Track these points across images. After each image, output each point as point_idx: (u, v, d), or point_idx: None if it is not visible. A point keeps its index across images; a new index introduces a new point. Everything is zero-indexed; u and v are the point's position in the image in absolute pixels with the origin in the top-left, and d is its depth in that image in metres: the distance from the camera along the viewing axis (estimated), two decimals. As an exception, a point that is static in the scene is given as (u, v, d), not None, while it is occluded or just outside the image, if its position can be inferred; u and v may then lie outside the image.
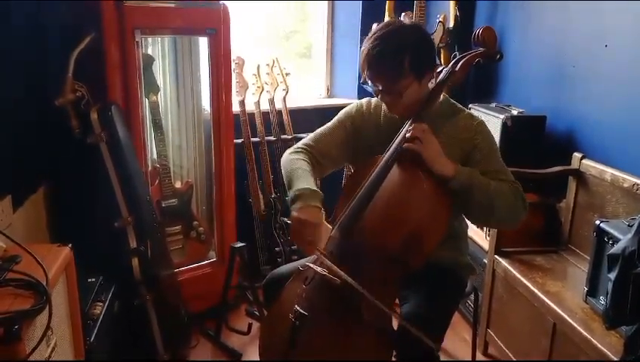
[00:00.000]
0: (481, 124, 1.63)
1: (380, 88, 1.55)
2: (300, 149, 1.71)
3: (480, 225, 1.60)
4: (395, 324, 1.54)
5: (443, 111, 1.64)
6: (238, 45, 2.80)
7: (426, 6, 2.96)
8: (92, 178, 2.10)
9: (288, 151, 1.73)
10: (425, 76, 1.55)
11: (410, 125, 1.52)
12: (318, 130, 1.77)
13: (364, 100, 1.78)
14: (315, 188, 1.53)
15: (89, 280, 1.90)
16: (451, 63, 1.62)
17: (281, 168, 1.68)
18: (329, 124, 1.77)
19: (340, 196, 1.66)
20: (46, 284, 1.25)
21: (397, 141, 1.55)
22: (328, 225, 1.51)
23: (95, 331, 1.74)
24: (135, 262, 2.03)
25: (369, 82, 1.57)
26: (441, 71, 1.62)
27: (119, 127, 2.03)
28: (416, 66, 1.50)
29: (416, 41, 1.53)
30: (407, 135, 1.50)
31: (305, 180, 1.55)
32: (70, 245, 1.50)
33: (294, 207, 1.48)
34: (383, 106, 1.69)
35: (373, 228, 1.50)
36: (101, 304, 1.87)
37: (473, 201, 1.49)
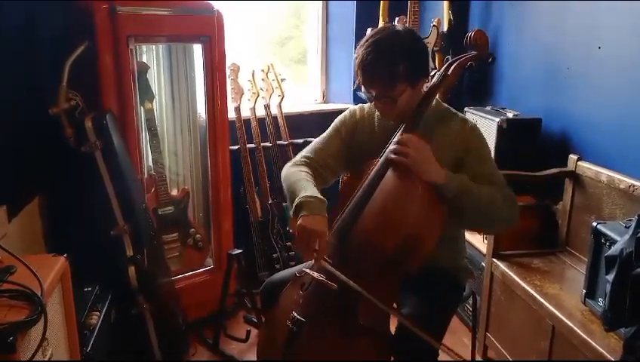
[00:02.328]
0: (474, 128, 1.63)
1: (374, 94, 1.55)
2: (299, 162, 1.70)
3: (470, 230, 1.61)
4: (392, 329, 1.53)
5: (436, 115, 1.64)
6: (233, 52, 2.80)
7: (420, 9, 2.97)
8: (87, 187, 2.09)
9: (288, 164, 1.72)
10: (419, 82, 1.55)
11: (400, 135, 1.52)
12: (315, 141, 1.77)
13: (358, 106, 1.78)
14: (320, 196, 1.52)
15: (85, 289, 1.88)
16: (444, 67, 1.63)
17: (282, 181, 1.66)
18: (324, 134, 1.77)
19: (336, 201, 1.66)
20: (41, 295, 1.24)
21: (389, 146, 1.55)
22: None
23: (92, 341, 1.73)
24: (132, 270, 2.02)
25: (363, 88, 1.57)
26: (434, 75, 1.62)
27: (114, 135, 2.02)
28: (410, 73, 1.51)
29: (410, 47, 1.53)
30: (392, 147, 1.49)
31: (308, 189, 1.53)
32: (65, 255, 1.49)
33: (300, 216, 1.45)
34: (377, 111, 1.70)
35: (368, 233, 1.50)
36: (97, 313, 1.86)
37: (464, 208, 1.49)
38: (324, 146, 1.73)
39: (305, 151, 1.74)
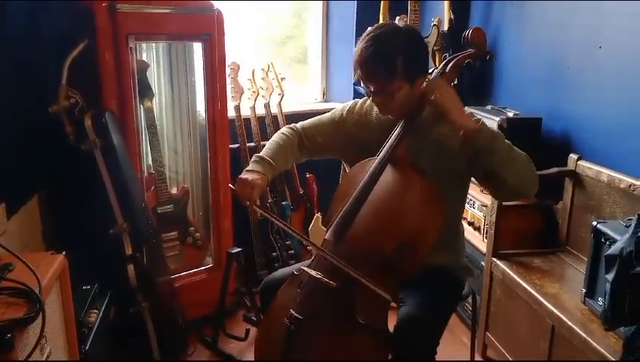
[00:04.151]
0: (471, 113, 1.63)
1: (372, 89, 1.55)
2: (291, 127, 1.84)
3: (502, 191, 1.54)
4: (391, 327, 1.53)
5: (435, 111, 1.63)
6: (233, 51, 2.80)
7: (420, 8, 2.96)
8: (87, 185, 2.09)
9: (285, 126, 1.86)
10: (417, 79, 1.55)
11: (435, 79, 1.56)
12: (314, 117, 1.85)
13: (357, 101, 1.79)
14: (267, 157, 1.67)
15: (84, 287, 1.89)
16: (442, 65, 1.63)
17: None
18: (324, 115, 1.84)
19: (333, 198, 1.66)
20: (39, 292, 1.24)
21: (390, 142, 1.55)
22: (323, 228, 1.51)
23: (90, 339, 1.73)
24: (131, 268, 2.02)
25: (361, 83, 1.56)
26: (433, 72, 1.62)
27: (114, 133, 2.02)
28: (408, 69, 1.50)
29: (410, 43, 1.53)
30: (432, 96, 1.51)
31: (267, 150, 1.73)
32: (64, 252, 1.49)
33: (245, 169, 1.66)
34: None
35: (366, 230, 1.50)
36: (96, 312, 1.86)
37: (500, 156, 1.48)
38: (317, 124, 1.83)
39: (301, 122, 1.86)
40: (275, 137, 1.80)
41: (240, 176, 1.63)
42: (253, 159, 1.70)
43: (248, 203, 1.59)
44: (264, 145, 2.90)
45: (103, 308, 1.91)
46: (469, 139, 1.48)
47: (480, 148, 1.48)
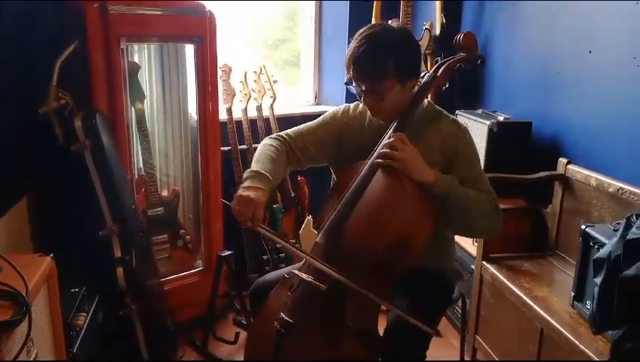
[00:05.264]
0: (465, 131, 1.63)
1: (363, 89, 1.55)
2: (278, 137, 1.74)
3: (456, 234, 1.63)
4: (381, 330, 1.53)
5: (426, 116, 1.64)
6: (225, 53, 2.80)
7: (412, 10, 2.97)
8: (76, 187, 2.07)
9: (268, 136, 1.76)
10: (408, 80, 1.55)
11: (390, 137, 1.52)
12: (302, 125, 1.78)
13: (352, 104, 1.79)
14: (264, 172, 1.55)
15: (72, 290, 1.87)
16: (433, 68, 1.63)
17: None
18: (313, 122, 1.79)
19: (325, 202, 1.65)
20: (26, 294, 1.23)
21: (379, 147, 1.55)
22: (314, 231, 1.51)
23: (78, 342, 1.72)
24: (120, 271, 2.00)
25: (352, 82, 1.57)
26: (424, 76, 1.63)
27: (104, 135, 2.01)
28: (399, 69, 1.50)
29: (402, 43, 1.53)
30: (380, 151, 1.50)
31: (261, 164, 1.59)
32: (52, 255, 1.48)
33: (240, 186, 1.52)
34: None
35: (357, 234, 1.50)
36: (84, 314, 1.84)
37: (450, 209, 1.49)
38: (308, 132, 1.75)
39: (288, 130, 1.77)
40: (265, 149, 1.67)
41: (239, 193, 1.48)
42: (248, 174, 1.55)
43: (250, 223, 1.44)
44: (255, 148, 2.95)
45: (92, 311, 1.90)
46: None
47: (436, 196, 1.49)
